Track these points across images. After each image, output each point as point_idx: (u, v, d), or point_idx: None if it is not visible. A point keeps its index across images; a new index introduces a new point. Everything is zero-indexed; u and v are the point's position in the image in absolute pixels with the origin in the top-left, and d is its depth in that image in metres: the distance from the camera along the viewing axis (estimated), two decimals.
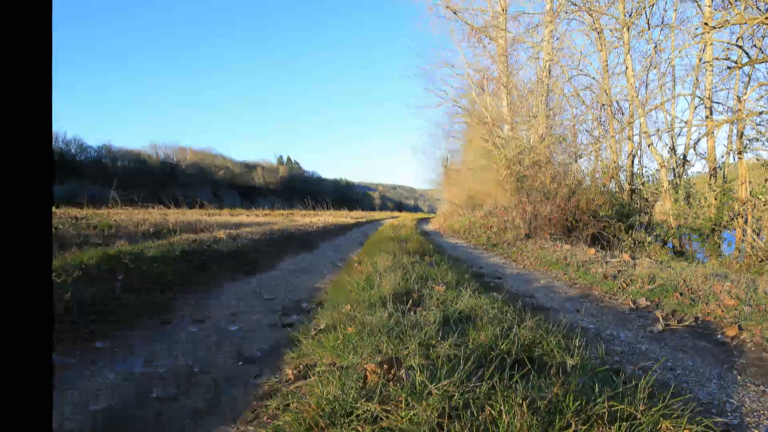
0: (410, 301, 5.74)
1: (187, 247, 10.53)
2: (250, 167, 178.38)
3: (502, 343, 4.02)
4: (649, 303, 7.97)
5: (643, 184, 18.87)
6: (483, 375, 3.33)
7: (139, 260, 8.62)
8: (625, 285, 9.08)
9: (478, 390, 3.12)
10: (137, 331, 6.05)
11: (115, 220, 17.90)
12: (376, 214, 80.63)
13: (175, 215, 20.70)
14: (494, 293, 6.81)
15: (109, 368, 4.69)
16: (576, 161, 21.38)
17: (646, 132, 18.51)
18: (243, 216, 41.18)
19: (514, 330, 4.35)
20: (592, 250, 13.11)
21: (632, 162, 19.81)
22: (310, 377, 3.88)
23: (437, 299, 5.92)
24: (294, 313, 7.21)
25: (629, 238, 16.04)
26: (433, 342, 4.08)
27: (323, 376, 3.56)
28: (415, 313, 5.15)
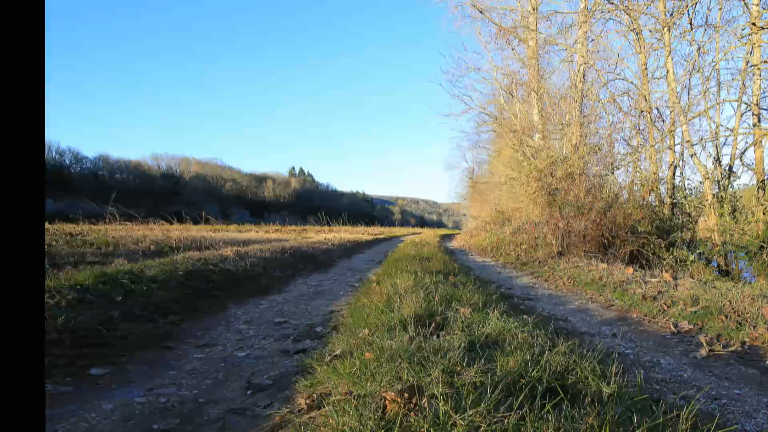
0: (433, 324, 5.74)
1: (191, 266, 10.54)
2: (259, 180, 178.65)
3: (532, 370, 4.00)
4: (691, 326, 7.91)
5: (685, 197, 18.66)
6: (512, 404, 3.32)
7: (139, 280, 8.65)
8: (665, 307, 9.02)
9: (506, 420, 3.11)
10: (137, 357, 6.05)
11: (113, 237, 17.95)
12: (396, 230, 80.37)
13: (178, 231, 20.73)
14: (524, 316, 6.78)
15: (106, 398, 4.69)
16: (612, 173, 21.24)
17: (688, 141, 18.34)
18: (252, 232, 41.21)
19: (545, 355, 4.33)
20: (630, 269, 13.03)
21: (673, 173, 19.62)
22: (324, 407, 3.87)
23: (462, 322, 5.91)
24: (307, 338, 7.21)
25: (670, 257, 15.89)
26: (458, 369, 4.07)
27: (339, 406, 3.56)
28: (438, 337, 5.15)
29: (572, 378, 4.09)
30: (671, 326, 8.01)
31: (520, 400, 3.38)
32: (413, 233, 68.21)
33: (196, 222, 26.83)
